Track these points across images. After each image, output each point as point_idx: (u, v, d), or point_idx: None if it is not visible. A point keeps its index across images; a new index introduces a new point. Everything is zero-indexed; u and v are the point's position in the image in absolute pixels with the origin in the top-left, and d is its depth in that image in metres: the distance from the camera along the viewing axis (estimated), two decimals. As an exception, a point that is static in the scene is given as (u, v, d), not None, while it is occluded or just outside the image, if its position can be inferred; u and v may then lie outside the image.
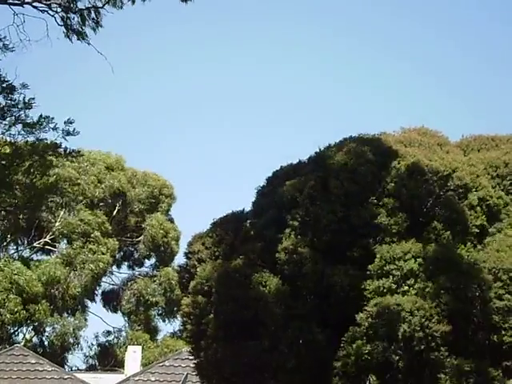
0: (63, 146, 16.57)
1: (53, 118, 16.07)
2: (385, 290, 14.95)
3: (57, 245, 38.70)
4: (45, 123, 15.84)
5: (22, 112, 15.66)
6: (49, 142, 16.21)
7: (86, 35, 15.41)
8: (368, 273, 15.17)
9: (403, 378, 14.77)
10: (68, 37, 15.39)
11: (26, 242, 40.00)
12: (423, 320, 14.47)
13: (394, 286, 14.96)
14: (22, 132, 15.92)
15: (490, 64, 60.50)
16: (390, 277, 15.03)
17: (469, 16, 60.30)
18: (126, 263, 43.69)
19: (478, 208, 15.79)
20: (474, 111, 57.79)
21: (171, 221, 42.87)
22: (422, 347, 14.52)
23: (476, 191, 15.88)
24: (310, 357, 15.12)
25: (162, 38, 59.21)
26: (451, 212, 15.65)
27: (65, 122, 16.19)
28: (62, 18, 15.32)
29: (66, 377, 25.61)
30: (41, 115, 15.94)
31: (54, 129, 16.04)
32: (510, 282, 14.88)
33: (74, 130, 16.22)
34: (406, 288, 14.94)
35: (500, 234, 15.76)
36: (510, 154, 17.03)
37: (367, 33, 61.16)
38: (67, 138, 16.24)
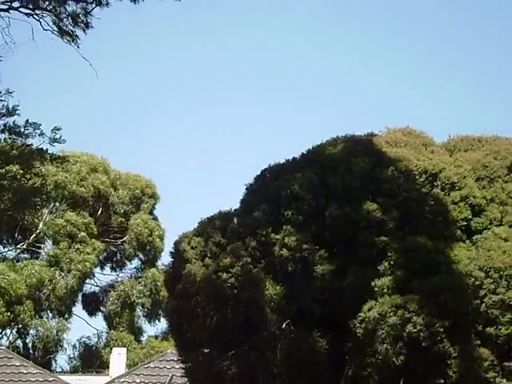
0: (49, 151, 16.58)
1: (40, 125, 16.07)
2: (386, 291, 15.03)
3: (42, 246, 38.60)
4: (31, 129, 15.84)
5: (7, 119, 15.64)
6: (35, 148, 16.21)
7: (78, 37, 15.43)
8: (370, 274, 15.18)
9: (406, 376, 14.79)
10: (61, 37, 15.38)
11: (10, 243, 39.90)
12: (428, 318, 14.56)
13: (396, 287, 15.03)
14: (8, 139, 15.90)
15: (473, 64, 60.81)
16: (394, 277, 15.08)
17: (460, 16, 60.43)
18: (110, 265, 43.64)
19: (462, 203, 16.03)
20: (459, 112, 58.03)
21: (155, 219, 42.82)
22: (427, 344, 14.59)
23: (459, 190, 16.13)
24: (309, 363, 14.95)
25: (147, 30, 58.89)
26: (437, 206, 15.85)
27: (52, 130, 16.21)
28: (54, 21, 15.31)
29: (50, 379, 25.47)
30: (27, 120, 15.94)
31: (41, 134, 16.05)
32: (501, 280, 15.13)
33: (61, 137, 16.27)
34: (407, 288, 15.02)
35: (488, 231, 15.95)
36: (489, 156, 17.23)
37: (357, 30, 61.31)
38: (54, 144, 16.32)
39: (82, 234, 38.23)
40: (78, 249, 37.89)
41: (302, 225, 15.57)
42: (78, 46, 15.42)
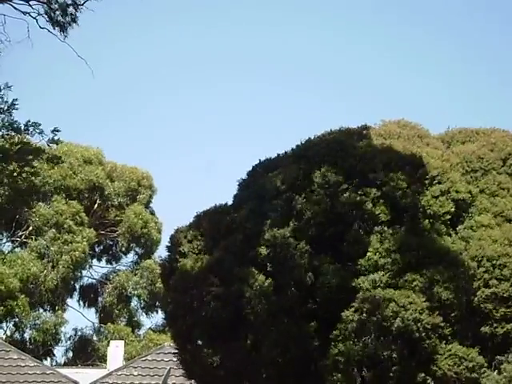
0: (46, 150, 16.70)
1: (40, 124, 16.17)
2: (377, 285, 15.10)
3: (33, 237, 38.55)
4: (32, 128, 15.95)
5: (5, 114, 15.71)
6: (33, 147, 16.31)
7: (66, 28, 15.47)
8: (359, 267, 15.28)
9: (395, 369, 14.91)
10: (53, 27, 15.42)
11: (4, 237, 39.99)
12: (416, 314, 14.66)
13: (387, 280, 15.12)
14: (6, 135, 15.98)
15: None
16: (384, 271, 15.19)
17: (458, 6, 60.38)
18: (107, 257, 43.68)
19: (442, 198, 16.00)
20: (458, 104, 58.06)
21: (152, 212, 42.84)
22: (415, 339, 14.71)
23: (439, 184, 16.10)
24: (296, 350, 15.11)
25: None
26: (418, 200, 15.85)
27: (52, 131, 16.32)
28: (46, 12, 15.35)
29: (48, 372, 25.50)
30: (28, 121, 16.03)
31: (40, 133, 16.16)
32: (493, 269, 15.23)
33: (59, 138, 16.38)
34: (398, 282, 15.13)
35: (471, 220, 16.04)
36: (485, 148, 17.30)
37: (354, 22, 61.29)
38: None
39: (70, 222, 38.10)
40: (66, 239, 37.82)
41: (284, 221, 15.68)
42: (65, 36, 15.50)
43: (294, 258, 15.40)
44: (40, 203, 37.38)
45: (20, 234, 38.96)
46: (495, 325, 15.05)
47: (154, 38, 60.53)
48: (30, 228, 38.46)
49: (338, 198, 15.69)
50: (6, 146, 16.06)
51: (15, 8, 15.31)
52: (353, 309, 15.02)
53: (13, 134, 15.87)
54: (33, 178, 17.13)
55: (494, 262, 15.26)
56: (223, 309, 15.44)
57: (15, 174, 16.38)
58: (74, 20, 15.59)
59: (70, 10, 15.56)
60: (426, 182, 16.06)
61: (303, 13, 59.04)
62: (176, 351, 17.34)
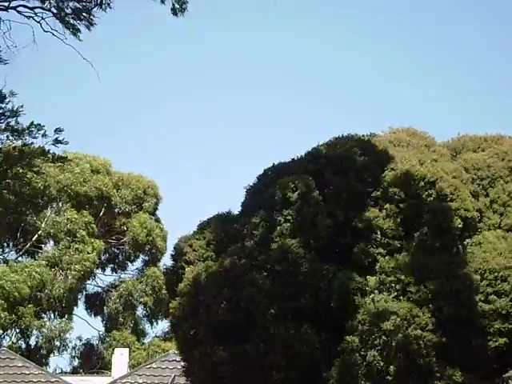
0: (51, 151, 16.63)
1: (43, 126, 16.13)
2: (382, 299, 15.15)
3: (43, 246, 38.58)
4: (35, 130, 15.90)
5: (10, 119, 15.67)
6: (36, 147, 16.24)
7: (80, 30, 15.38)
8: (365, 282, 15.36)
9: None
10: (67, 29, 15.31)
11: (11, 244, 39.95)
12: (418, 330, 14.64)
13: (389, 296, 15.19)
14: (11, 138, 15.95)
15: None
16: (388, 288, 15.28)
17: (464, 14, 60.34)
18: (112, 266, 43.63)
19: (453, 214, 16.10)
20: (462, 111, 57.98)
21: (157, 220, 42.84)
22: (417, 357, 14.70)
23: (451, 202, 16.18)
24: (302, 356, 15.09)
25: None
26: (432, 216, 15.88)
27: (55, 131, 16.28)
28: (55, 15, 15.26)
29: (52, 380, 25.49)
30: (32, 122, 15.99)
31: (44, 135, 16.12)
32: (496, 281, 15.28)
33: (64, 138, 16.36)
34: (399, 294, 15.18)
35: (479, 236, 16.14)
36: (495, 157, 17.40)
37: (360, 30, 61.30)
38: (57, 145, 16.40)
39: (82, 232, 38.17)
40: (77, 248, 37.86)
41: (295, 231, 15.71)
42: (79, 39, 15.39)
43: (303, 266, 15.37)
44: (49, 211, 37.45)
45: (26, 242, 38.91)
46: (489, 337, 15.07)
47: (161, 46, 60.54)
48: (36, 236, 38.42)
49: (352, 210, 15.70)
50: (10, 149, 16.02)
51: (19, 12, 15.23)
52: (356, 321, 15.02)
53: (16, 136, 15.83)
54: (36, 179, 17.05)
55: (496, 274, 15.32)
56: (234, 312, 15.44)
57: (20, 175, 16.33)
58: (90, 23, 15.50)
59: (84, 14, 15.45)
60: (440, 197, 16.08)
61: (310, 23, 59.15)
62: (181, 358, 17.29)
